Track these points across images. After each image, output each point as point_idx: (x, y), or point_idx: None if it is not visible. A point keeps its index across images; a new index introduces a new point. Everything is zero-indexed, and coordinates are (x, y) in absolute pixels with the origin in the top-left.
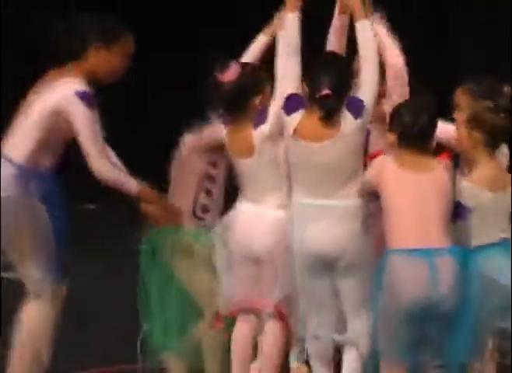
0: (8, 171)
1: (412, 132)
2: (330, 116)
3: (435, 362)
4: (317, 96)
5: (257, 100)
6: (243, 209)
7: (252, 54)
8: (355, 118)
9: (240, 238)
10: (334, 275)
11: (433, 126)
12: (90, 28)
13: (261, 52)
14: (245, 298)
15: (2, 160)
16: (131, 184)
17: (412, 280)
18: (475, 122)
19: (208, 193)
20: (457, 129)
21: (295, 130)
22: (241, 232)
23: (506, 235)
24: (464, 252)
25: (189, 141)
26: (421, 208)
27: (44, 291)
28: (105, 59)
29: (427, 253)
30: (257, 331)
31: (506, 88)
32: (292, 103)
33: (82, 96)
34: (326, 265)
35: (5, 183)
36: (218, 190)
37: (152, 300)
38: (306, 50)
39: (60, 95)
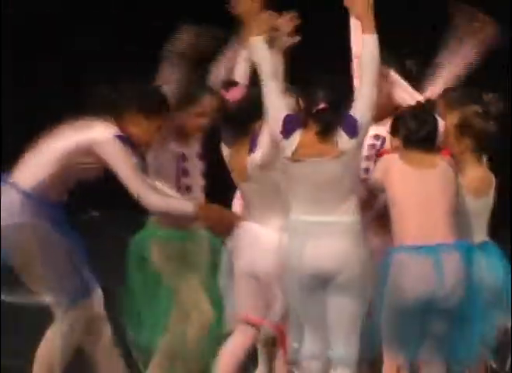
0: (14, 197)
1: (418, 137)
2: (327, 131)
3: (437, 360)
4: (314, 111)
5: (257, 124)
6: (248, 227)
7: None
8: (351, 138)
9: (243, 256)
10: (329, 292)
11: (437, 129)
12: (132, 95)
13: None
14: (246, 315)
15: (7, 186)
16: (186, 206)
17: (417, 277)
18: (464, 128)
19: (188, 188)
20: (445, 134)
21: (294, 152)
22: (244, 251)
23: (486, 237)
24: (471, 247)
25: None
26: (427, 204)
27: (58, 314)
28: (140, 125)
29: (433, 250)
30: (256, 340)
31: (490, 96)
32: (288, 126)
33: (121, 139)
34: (322, 282)
35: (11, 209)
36: (195, 184)
37: (139, 302)
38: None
39: (97, 136)
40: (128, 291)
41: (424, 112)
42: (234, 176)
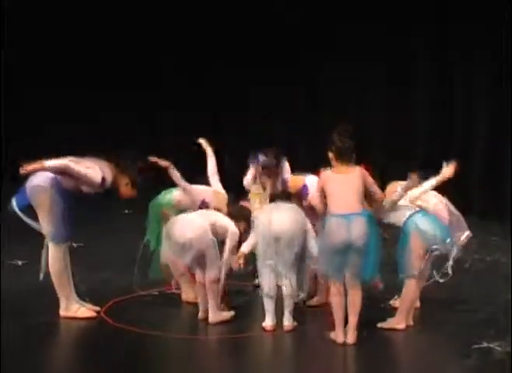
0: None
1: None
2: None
3: (354, 278)
4: None
5: None
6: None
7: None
8: None
9: None
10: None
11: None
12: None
13: None
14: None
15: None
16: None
17: (340, 230)
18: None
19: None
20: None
21: None
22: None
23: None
24: (370, 215)
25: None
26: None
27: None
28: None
29: (348, 216)
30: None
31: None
32: None
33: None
34: (277, 238)
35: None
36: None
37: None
38: None
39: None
40: (150, 227)
41: None
42: None
